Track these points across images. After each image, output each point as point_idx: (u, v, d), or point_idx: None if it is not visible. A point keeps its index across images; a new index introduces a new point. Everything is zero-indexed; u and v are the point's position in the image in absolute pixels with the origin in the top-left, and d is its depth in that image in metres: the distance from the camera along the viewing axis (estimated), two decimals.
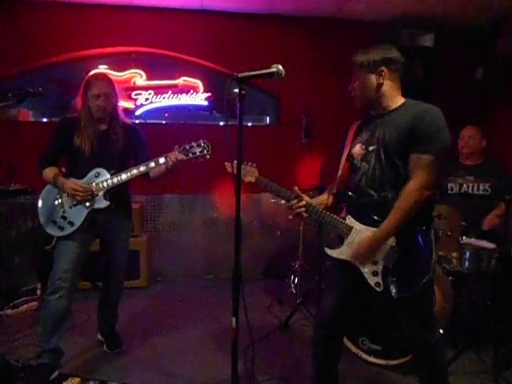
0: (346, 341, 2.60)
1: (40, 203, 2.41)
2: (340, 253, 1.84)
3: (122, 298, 2.74)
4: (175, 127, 4.17)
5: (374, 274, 1.74)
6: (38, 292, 3.51)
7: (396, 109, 1.79)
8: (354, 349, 2.61)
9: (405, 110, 1.76)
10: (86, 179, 2.36)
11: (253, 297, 3.76)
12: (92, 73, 2.48)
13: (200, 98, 4.12)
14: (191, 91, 4.10)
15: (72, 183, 2.30)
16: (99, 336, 2.80)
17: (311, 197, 1.98)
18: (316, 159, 3.93)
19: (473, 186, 3.14)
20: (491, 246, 2.78)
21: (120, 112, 2.51)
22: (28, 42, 3.80)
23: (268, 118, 4.66)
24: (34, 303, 3.39)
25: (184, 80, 4.09)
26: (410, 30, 3.84)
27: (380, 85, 1.78)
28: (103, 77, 2.45)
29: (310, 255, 3.61)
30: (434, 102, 1.78)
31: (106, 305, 2.71)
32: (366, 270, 1.75)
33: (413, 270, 1.70)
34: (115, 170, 2.36)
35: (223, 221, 4.31)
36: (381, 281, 1.72)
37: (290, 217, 1.94)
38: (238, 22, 4.12)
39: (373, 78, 1.78)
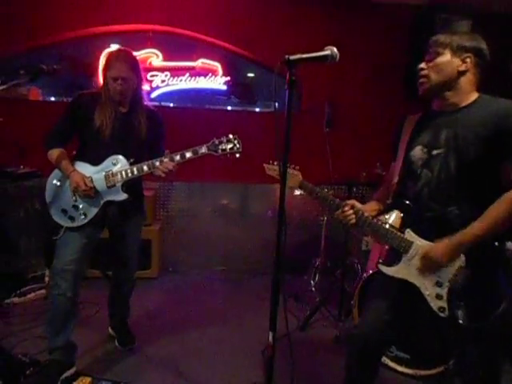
0: None
1: (48, 190, 2.17)
2: (397, 271, 1.61)
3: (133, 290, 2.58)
4: (192, 111, 3.98)
5: (438, 297, 1.52)
6: (47, 279, 3.38)
7: (468, 106, 1.53)
8: None
9: (479, 107, 1.50)
10: (102, 166, 2.14)
11: (267, 292, 3.61)
12: (113, 50, 2.20)
13: (218, 82, 3.91)
14: (209, 74, 3.89)
15: (78, 177, 2.06)
16: (110, 330, 2.66)
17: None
18: (338, 151, 3.71)
19: None
20: None
21: (143, 96, 2.27)
22: (39, 16, 3.58)
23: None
24: (43, 291, 3.26)
25: (202, 62, 3.88)
26: (446, 15, 3.58)
27: (461, 73, 1.52)
28: (124, 57, 2.14)
29: (332, 251, 3.43)
30: None
31: (118, 298, 2.55)
32: (428, 293, 1.53)
33: (487, 294, 1.47)
34: (134, 159, 2.14)
35: (235, 210, 4.17)
36: (446, 305, 1.50)
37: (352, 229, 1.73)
38: (260, 3, 3.88)
39: (455, 62, 1.52)
